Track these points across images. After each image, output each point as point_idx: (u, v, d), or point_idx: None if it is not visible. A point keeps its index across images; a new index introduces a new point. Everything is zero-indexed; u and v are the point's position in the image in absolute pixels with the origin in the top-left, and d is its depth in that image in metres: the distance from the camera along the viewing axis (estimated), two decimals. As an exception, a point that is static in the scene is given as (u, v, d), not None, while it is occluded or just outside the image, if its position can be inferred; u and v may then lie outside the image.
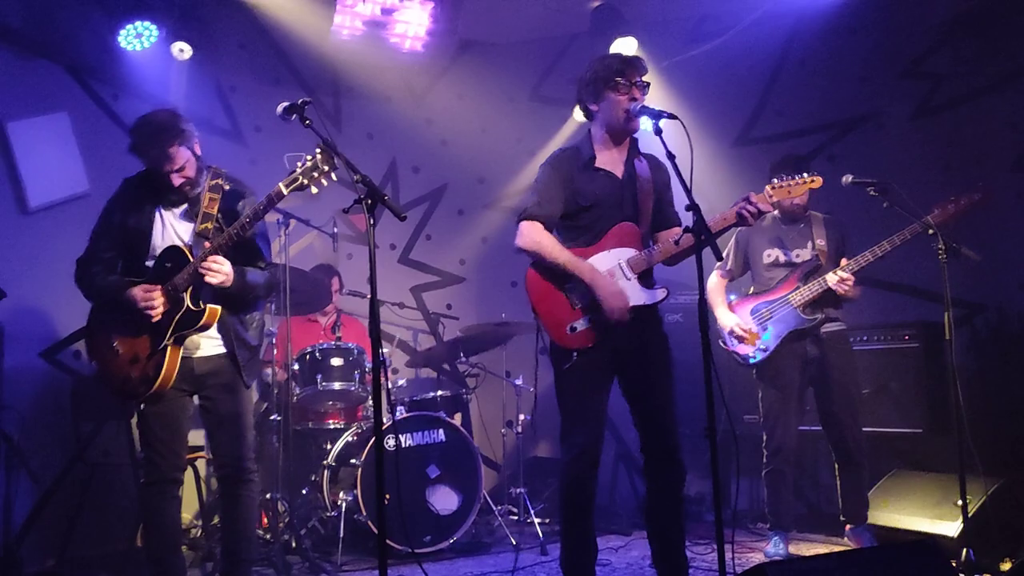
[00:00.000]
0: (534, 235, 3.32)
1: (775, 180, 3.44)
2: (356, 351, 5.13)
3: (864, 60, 5.92)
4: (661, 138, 3.09)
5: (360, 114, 6.66)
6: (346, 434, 5.03)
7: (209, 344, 3.49)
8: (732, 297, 4.72)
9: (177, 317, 3.33)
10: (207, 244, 3.32)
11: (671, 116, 3.12)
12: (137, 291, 3.34)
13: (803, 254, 4.52)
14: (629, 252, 3.35)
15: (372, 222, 2.74)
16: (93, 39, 5.23)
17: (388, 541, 4.41)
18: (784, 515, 4.51)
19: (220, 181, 3.49)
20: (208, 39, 5.67)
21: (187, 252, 3.34)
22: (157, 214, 3.46)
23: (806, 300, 4.40)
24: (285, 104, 2.93)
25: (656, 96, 6.09)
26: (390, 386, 5.12)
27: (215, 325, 3.43)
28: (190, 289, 3.33)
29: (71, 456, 4.88)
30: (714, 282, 4.72)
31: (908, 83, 5.80)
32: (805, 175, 3.45)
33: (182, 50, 5.36)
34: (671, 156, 3.07)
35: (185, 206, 3.48)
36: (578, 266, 3.26)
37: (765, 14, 5.96)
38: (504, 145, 6.74)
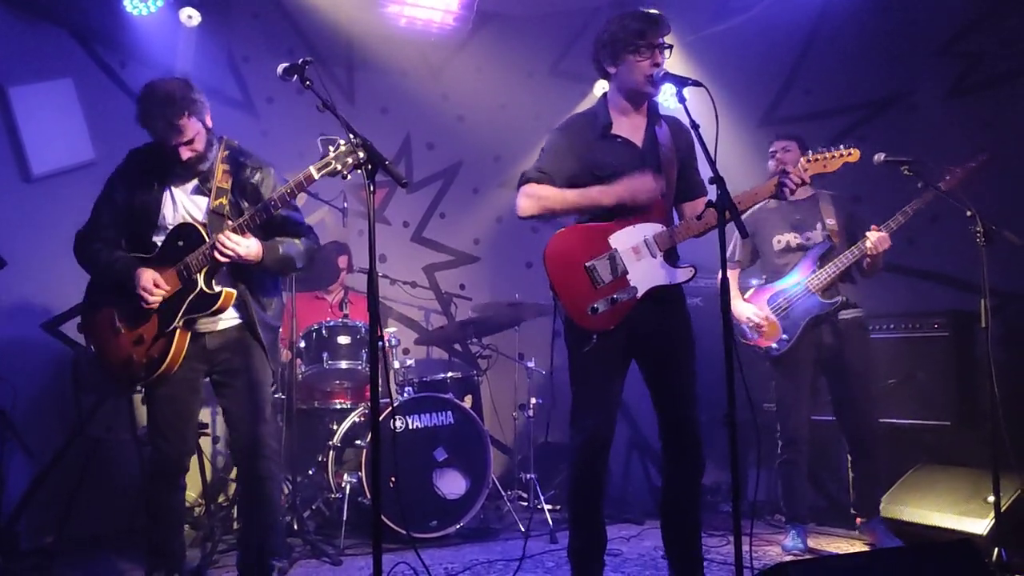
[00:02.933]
0: (532, 192, 3.12)
1: (810, 152, 3.27)
2: (364, 329, 4.98)
3: (897, 37, 5.67)
4: (685, 107, 2.92)
5: (374, 88, 6.49)
6: (352, 414, 4.90)
7: (224, 318, 3.31)
8: (755, 282, 4.55)
9: (189, 299, 3.17)
10: (228, 222, 3.15)
11: (696, 83, 2.94)
12: (146, 274, 3.17)
13: (814, 236, 4.36)
14: (656, 227, 3.14)
15: (372, 188, 2.58)
16: (99, 3, 5.10)
17: (392, 525, 4.33)
18: (799, 507, 4.36)
19: (232, 153, 3.32)
20: (219, 6, 5.53)
21: (203, 231, 3.17)
22: (167, 191, 3.28)
23: (824, 283, 4.24)
24: (285, 64, 2.79)
25: (680, 72, 5.85)
26: (398, 365, 4.98)
27: (233, 307, 3.28)
28: (204, 270, 3.17)
29: (72, 430, 4.78)
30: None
31: (942, 62, 5.55)
32: (842, 147, 3.28)
33: (191, 16, 5.22)
34: (695, 126, 2.89)
35: (196, 181, 3.30)
36: (589, 195, 3.08)
37: (794, -12, 5.75)
38: (522, 122, 6.55)
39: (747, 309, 4.40)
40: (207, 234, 3.17)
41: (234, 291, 3.22)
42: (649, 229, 3.13)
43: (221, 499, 4.97)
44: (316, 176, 2.96)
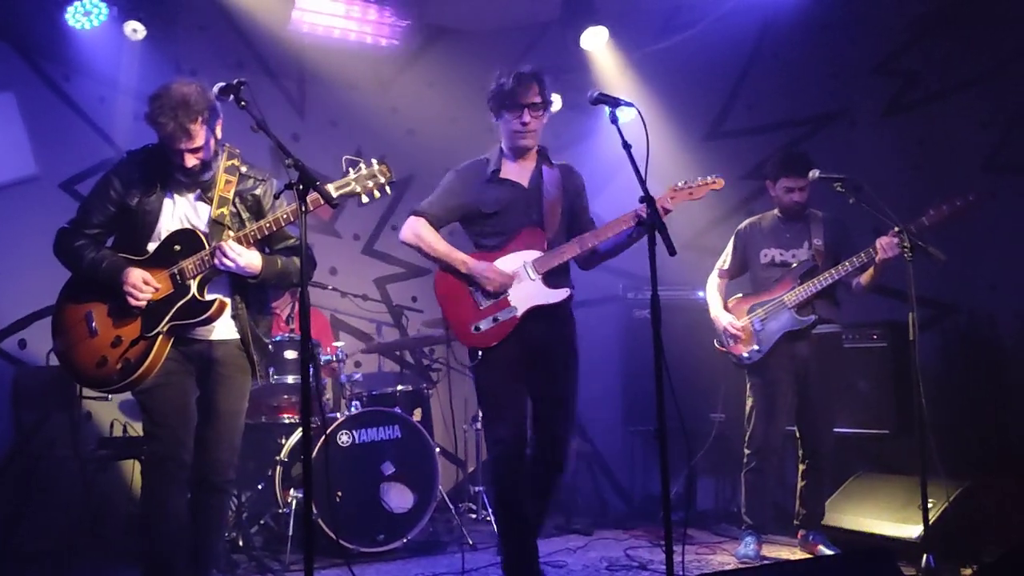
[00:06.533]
0: (416, 229, 3.49)
1: (678, 182, 3.43)
2: (311, 344, 4.97)
3: (837, 55, 5.82)
4: (617, 126, 3.05)
5: (324, 101, 6.50)
6: (300, 429, 4.88)
7: (223, 328, 3.19)
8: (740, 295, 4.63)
9: (179, 304, 3.05)
10: (228, 233, 3.07)
11: (628, 104, 3.05)
12: (135, 272, 3.03)
13: (800, 254, 4.45)
14: (534, 254, 3.45)
15: (304, 209, 2.61)
16: (41, 16, 5.05)
17: (338, 540, 4.33)
18: (761, 516, 4.44)
19: (236, 162, 3.23)
20: (164, 19, 5.48)
21: (203, 239, 3.08)
22: (168, 197, 3.16)
23: (801, 301, 4.32)
24: (221, 84, 2.80)
25: (626, 87, 6.01)
26: (344, 379, 4.99)
27: (229, 317, 3.17)
28: (199, 277, 3.07)
29: (12, 448, 4.72)
30: (713, 282, 4.67)
31: (880, 80, 5.71)
32: (709, 177, 3.47)
33: (135, 30, 5.16)
34: (627, 146, 3.00)
35: (198, 189, 3.19)
36: (452, 257, 3.42)
37: (738, 6, 5.83)
38: (473, 136, 6.51)
39: (726, 317, 4.49)
40: (207, 241, 3.08)
41: (227, 301, 3.12)
42: (528, 255, 3.46)
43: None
44: (335, 196, 2.91)
